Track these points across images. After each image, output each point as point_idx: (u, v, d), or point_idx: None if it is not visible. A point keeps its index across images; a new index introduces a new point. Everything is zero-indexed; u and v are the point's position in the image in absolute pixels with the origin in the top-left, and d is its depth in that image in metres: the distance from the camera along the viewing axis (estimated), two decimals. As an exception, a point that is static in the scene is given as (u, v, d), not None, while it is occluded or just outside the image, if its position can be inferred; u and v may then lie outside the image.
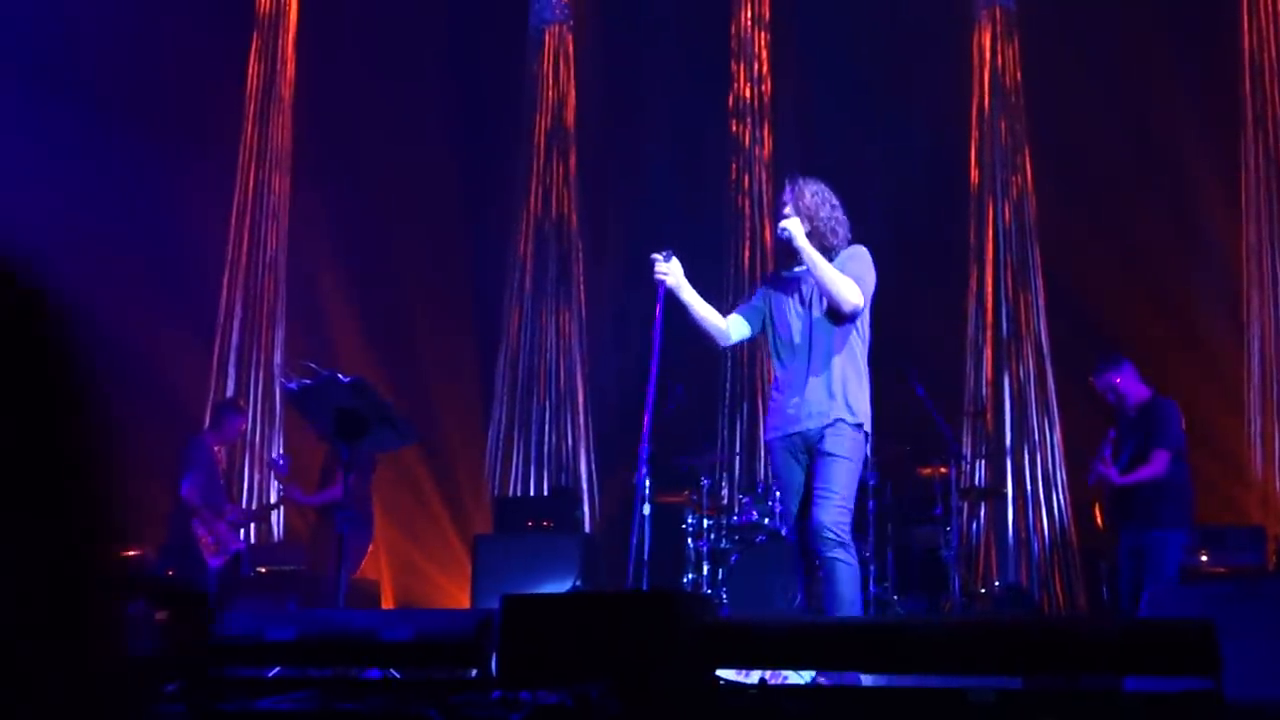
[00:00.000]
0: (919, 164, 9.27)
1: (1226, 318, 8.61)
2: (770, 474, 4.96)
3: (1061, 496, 8.76)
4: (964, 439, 8.78)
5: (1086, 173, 9.05)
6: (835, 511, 4.50)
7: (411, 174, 10.09)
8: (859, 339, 4.77)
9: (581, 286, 10.03)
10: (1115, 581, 6.80)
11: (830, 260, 4.70)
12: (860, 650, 3.41)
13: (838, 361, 4.68)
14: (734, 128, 10.00)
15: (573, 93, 10.38)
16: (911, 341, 8.37)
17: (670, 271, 4.76)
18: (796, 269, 4.82)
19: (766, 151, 9.88)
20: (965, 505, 8.53)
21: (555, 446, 9.68)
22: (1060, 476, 8.78)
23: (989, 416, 8.90)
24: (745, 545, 7.55)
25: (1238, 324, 8.50)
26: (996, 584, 8.59)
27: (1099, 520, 7.16)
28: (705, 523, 7.73)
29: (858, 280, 4.68)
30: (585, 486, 9.65)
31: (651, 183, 9.97)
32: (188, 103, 9.73)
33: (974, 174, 9.41)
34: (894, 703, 3.31)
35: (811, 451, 4.66)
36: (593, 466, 9.73)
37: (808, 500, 4.62)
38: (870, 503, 7.39)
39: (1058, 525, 8.71)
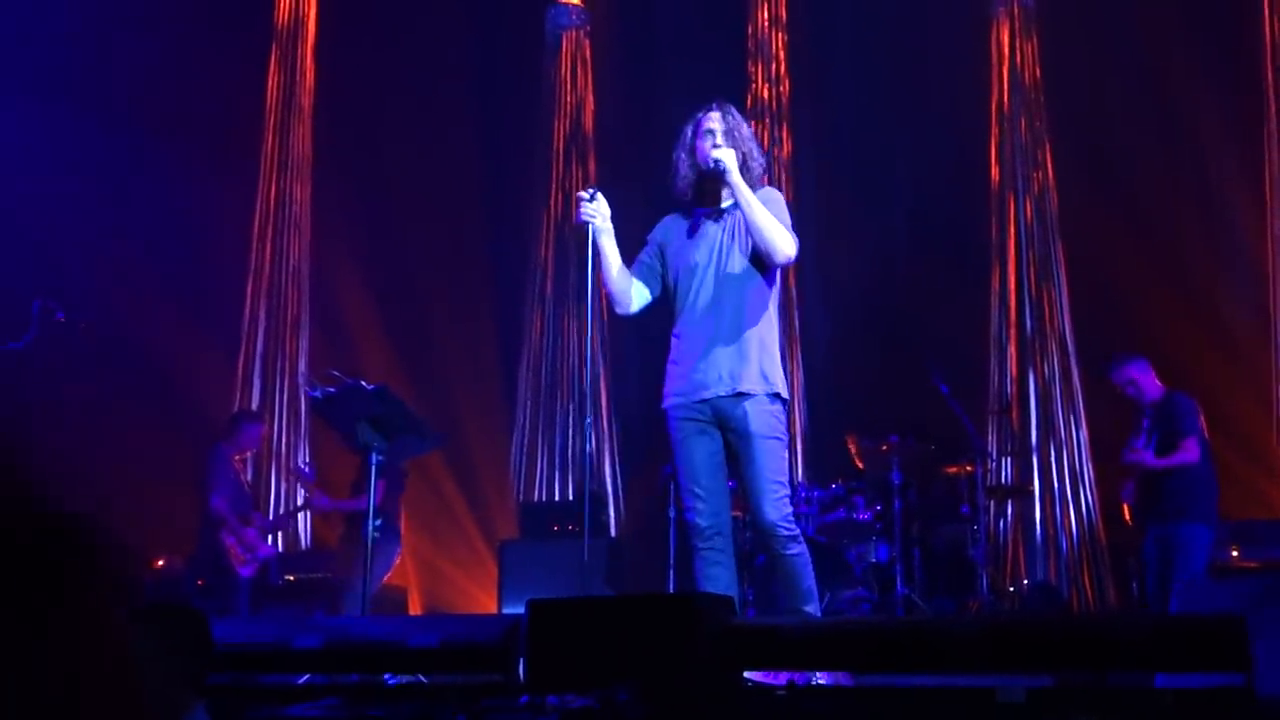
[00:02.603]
0: (939, 162, 9.25)
1: (1253, 311, 8.54)
2: (671, 448, 4.23)
3: (1089, 493, 8.71)
4: (989, 437, 8.74)
5: (1110, 167, 9.00)
6: (781, 504, 4.10)
7: (432, 180, 10.12)
8: (772, 296, 4.24)
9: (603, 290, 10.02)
10: (1144, 576, 6.80)
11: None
12: (888, 651, 3.39)
13: (749, 320, 4.13)
14: (752, 128, 9.97)
15: (590, 97, 10.39)
16: (934, 339, 8.36)
17: (597, 212, 4.27)
18: (699, 210, 4.29)
19: (785, 152, 9.85)
20: (992, 504, 8.50)
21: (579, 451, 9.68)
22: (1087, 473, 8.73)
23: (1014, 414, 8.85)
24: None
25: (1265, 317, 8.43)
26: (1025, 582, 8.54)
27: (1127, 518, 7.16)
28: (730, 525, 7.70)
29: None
30: (610, 490, 9.64)
31: (671, 184, 9.96)
32: (208, 114, 9.79)
33: (994, 171, 9.38)
34: (924, 702, 3.30)
35: (726, 428, 4.12)
36: (617, 470, 9.73)
37: (720, 481, 4.19)
38: (896, 502, 7.36)
39: (1086, 522, 8.66)
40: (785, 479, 4.17)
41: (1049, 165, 9.25)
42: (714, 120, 4.30)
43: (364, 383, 5.46)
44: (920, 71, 9.34)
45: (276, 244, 9.99)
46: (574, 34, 10.46)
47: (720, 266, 4.16)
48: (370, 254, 10.01)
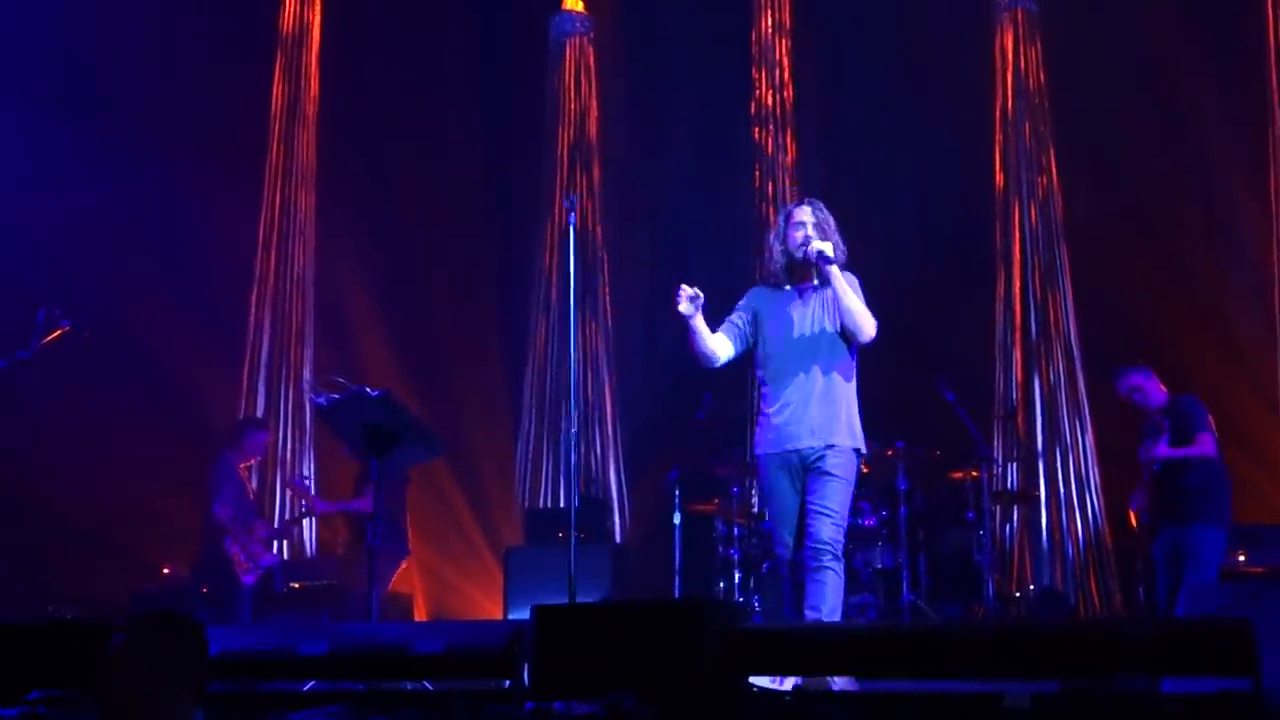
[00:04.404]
0: (943, 167, 9.24)
1: (1259, 315, 8.52)
2: (760, 488, 5.11)
3: (1095, 498, 8.69)
4: (995, 442, 8.72)
5: (1114, 172, 8.98)
6: (835, 529, 4.62)
7: (436, 188, 10.13)
8: (854, 365, 4.86)
9: (607, 298, 10.04)
10: (1153, 580, 6.77)
11: (824, 284, 4.80)
12: (894, 656, 3.38)
13: (838, 385, 4.76)
14: (756, 135, 9.99)
15: (594, 104, 10.40)
16: (940, 345, 8.35)
17: (694, 310, 4.78)
18: (790, 289, 4.88)
19: (789, 158, 9.86)
20: (998, 509, 8.48)
21: (584, 458, 9.67)
22: (1093, 478, 8.71)
23: (1020, 419, 8.84)
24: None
25: (1270, 321, 8.41)
26: (1031, 588, 8.52)
27: (1133, 522, 7.14)
28: (735, 530, 7.71)
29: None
30: (615, 497, 9.64)
31: (675, 192, 9.97)
32: (213, 123, 9.80)
33: (999, 176, 9.37)
34: (929, 707, 3.29)
35: (807, 469, 4.71)
36: (622, 477, 9.72)
37: (803, 519, 4.68)
38: (902, 509, 7.35)
39: (1091, 527, 8.64)
40: (845, 513, 4.72)
41: (1053, 170, 9.24)
42: (805, 214, 4.86)
43: (368, 389, 5.47)
44: (924, 77, 9.33)
45: (281, 252, 10.00)
46: (578, 41, 10.47)
47: (813, 339, 4.78)
48: (375, 261, 10.01)
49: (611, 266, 10.08)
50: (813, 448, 4.68)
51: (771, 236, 4.99)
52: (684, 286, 4.73)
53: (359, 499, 7.33)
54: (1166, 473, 6.52)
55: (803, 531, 4.65)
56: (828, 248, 4.73)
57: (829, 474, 4.65)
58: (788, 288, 4.90)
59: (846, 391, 4.79)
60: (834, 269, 4.72)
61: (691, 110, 10.10)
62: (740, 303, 5.03)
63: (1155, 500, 6.63)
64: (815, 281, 4.85)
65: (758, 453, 4.86)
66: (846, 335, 4.79)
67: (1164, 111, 8.94)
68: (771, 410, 4.79)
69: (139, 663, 2.78)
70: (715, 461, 8.03)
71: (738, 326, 4.96)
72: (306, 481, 8.39)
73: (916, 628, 5.58)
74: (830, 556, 4.57)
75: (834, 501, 4.64)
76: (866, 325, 4.76)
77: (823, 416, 4.70)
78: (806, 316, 4.82)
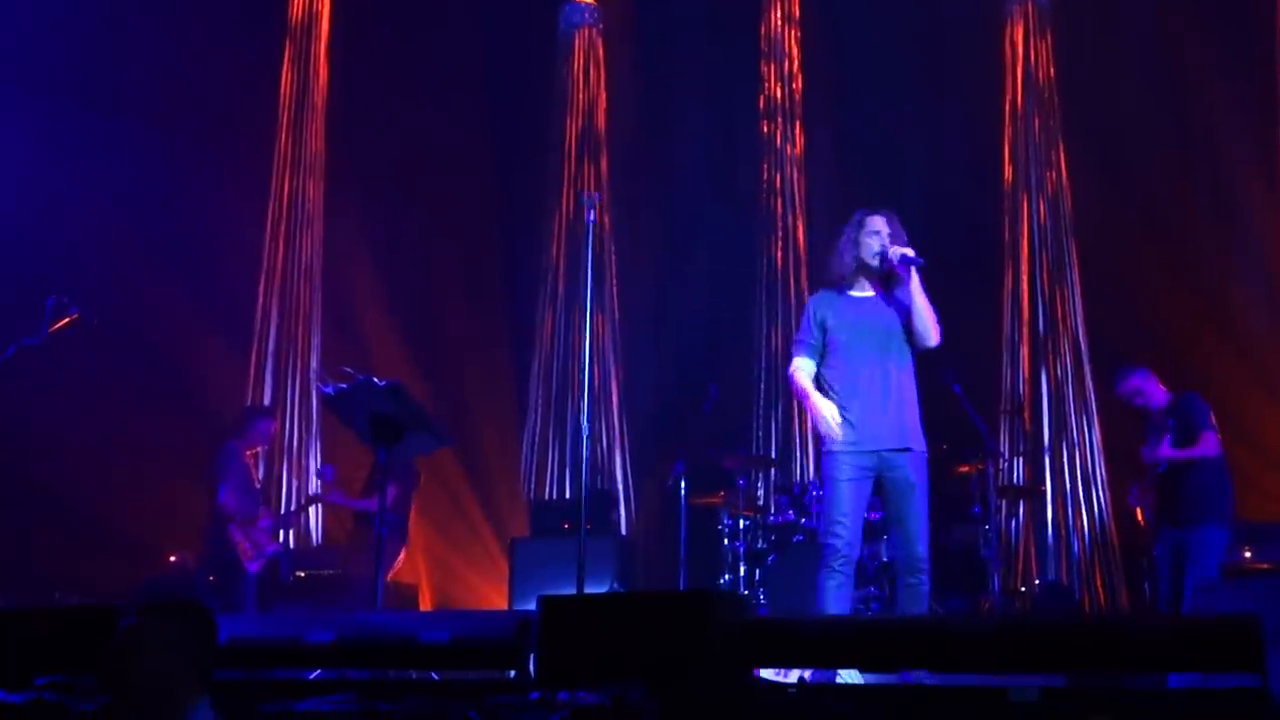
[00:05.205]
0: (952, 161, 9.22)
1: (1268, 312, 8.50)
2: (824, 480, 4.99)
3: (1101, 494, 8.68)
4: (1001, 437, 8.72)
5: (1124, 167, 8.96)
6: (927, 544, 4.87)
7: (444, 178, 10.12)
8: (914, 369, 5.03)
9: (615, 290, 10.03)
10: (1156, 578, 6.76)
11: (892, 290, 4.97)
12: (901, 649, 3.38)
13: (909, 388, 4.95)
14: (765, 128, 9.97)
15: (603, 96, 10.39)
16: (947, 338, 8.31)
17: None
18: (853, 293, 5.01)
19: (798, 150, 9.85)
20: (1004, 504, 8.47)
21: (590, 449, 9.66)
22: (1099, 473, 8.70)
23: (1026, 414, 8.83)
24: (782, 545, 7.53)
25: (1278, 318, 8.40)
26: (1037, 582, 8.52)
27: (1139, 517, 7.12)
28: (742, 523, 7.71)
29: None
30: (621, 489, 9.64)
31: (684, 184, 9.96)
32: (221, 111, 9.80)
33: (1008, 170, 9.35)
34: (936, 701, 3.29)
35: (887, 475, 4.84)
36: (628, 469, 9.72)
37: (861, 518, 4.89)
38: (908, 502, 7.33)
39: (1097, 523, 8.64)
40: (928, 521, 4.94)
41: (1062, 165, 9.22)
42: (880, 223, 5.01)
43: (376, 379, 5.47)
44: (934, 70, 9.31)
45: (289, 241, 10.00)
46: (587, 32, 10.46)
47: (884, 341, 4.93)
48: (382, 251, 10.01)
49: (619, 258, 10.07)
50: (891, 450, 4.83)
51: (842, 241, 5.10)
52: (831, 427, 4.83)
53: (368, 498, 7.36)
54: (1170, 473, 6.51)
55: (860, 531, 4.88)
56: (910, 252, 4.90)
57: (915, 485, 4.82)
58: (853, 292, 5.04)
59: (914, 394, 4.96)
60: (915, 277, 4.89)
61: (700, 102, 10.08)
62: (807, 318, 5.12)
63: (1158, 501, 6.62)
64: (883, 288, 5.01)
65: (828, 449, 4.91)
66: (912, 339, 4.96)
67: (1174, 107, 8.92)
68: (847, 412, 4.89)
69: (149, 648, 2.79)
70: (721, 454, 8.03)
71: (814, 344, 5.06)
72: (329, 473, 8.35)
73: (921, 621, 5.58)
74: (923, 571, 4.81)
75: (923, 515, 4.84)
76: (935, 331, 4.94)
77: (899, 419, 4.86)
78: (878, 320, 4.96)
